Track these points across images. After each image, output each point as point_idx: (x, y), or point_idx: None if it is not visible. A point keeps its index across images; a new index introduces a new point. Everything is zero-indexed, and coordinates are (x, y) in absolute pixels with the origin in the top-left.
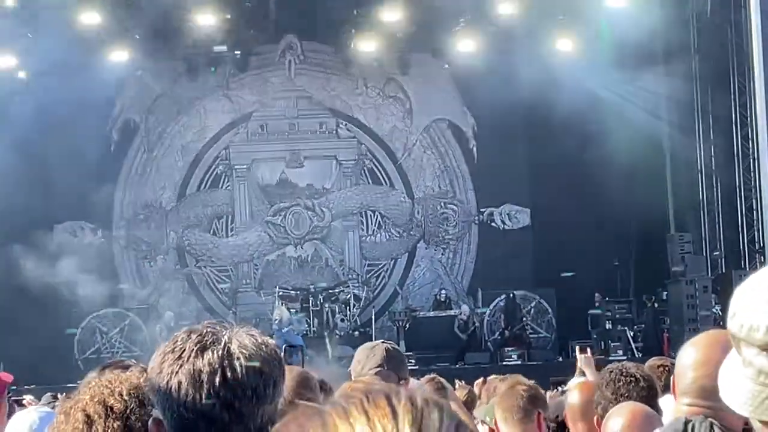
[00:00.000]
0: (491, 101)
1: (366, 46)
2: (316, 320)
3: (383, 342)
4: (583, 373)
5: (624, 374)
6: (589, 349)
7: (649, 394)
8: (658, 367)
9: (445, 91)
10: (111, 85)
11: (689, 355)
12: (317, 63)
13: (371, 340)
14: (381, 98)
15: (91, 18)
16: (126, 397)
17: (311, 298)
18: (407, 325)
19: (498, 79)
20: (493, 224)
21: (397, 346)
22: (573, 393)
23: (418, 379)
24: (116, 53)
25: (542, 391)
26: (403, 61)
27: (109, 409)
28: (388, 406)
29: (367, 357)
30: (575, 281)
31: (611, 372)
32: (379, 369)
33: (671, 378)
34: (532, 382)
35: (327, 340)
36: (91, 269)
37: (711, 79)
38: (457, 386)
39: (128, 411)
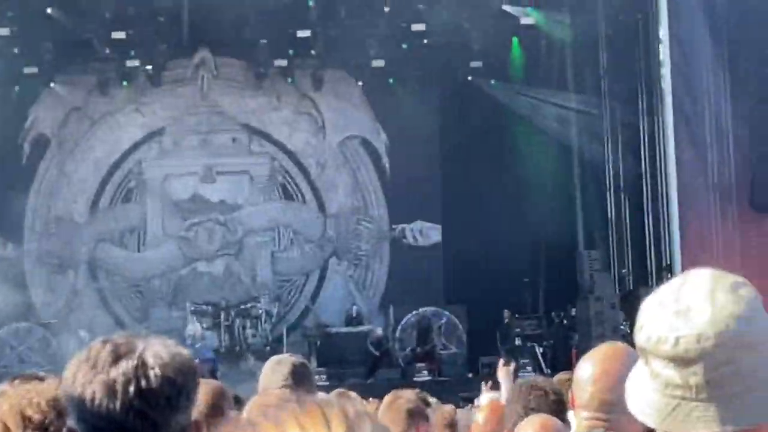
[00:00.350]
0: (404, 118)
1: (280, 62)
2: (227, 336)
3: (290, 356)
4: (493, 389)
5: (534, 388)
6: (512, 364)
7: (558, 407)
8: (567, 381)
9: (358, 107)
10: (23, 97)
11: (587, 369)
12: (231, 78)
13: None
14: (294, 114)
15: (2, 31)
16: (45, 408)
17: (223, 314)
18: (319, 341)
19: (411, 96)
20: (404, 240)
21: (304, 361)
22: (481, 412)
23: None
24: (29, 66)
25: (425, 405)
26: (317, 78)
27: (27, 420)
28: (322, 417)
29: (273, 371)
30: (485, 297)
31: (521, 386)
32: (284, 383)
33: (570, 392)
34: (416, 394)
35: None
36: (1, 282)
37: (620, 97)
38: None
39: (47, 422)
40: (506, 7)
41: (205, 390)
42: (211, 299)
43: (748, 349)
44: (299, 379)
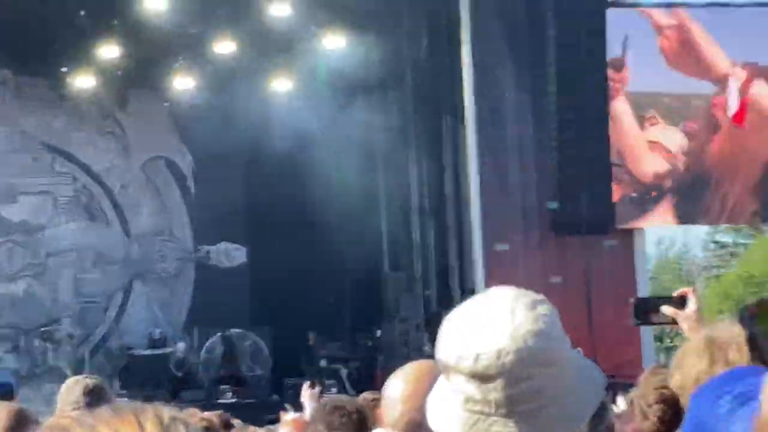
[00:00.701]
0: (209, 140)
1: (83, 81)
2: (28, 358)
3: (86, 377)
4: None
5: (337, 408)
6: (317, 385)
7: (361, 426)
8: (372, 400)
9: (163, 128)
10: None
11: (397, 388)
12: (32, 97)
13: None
14: (98, 134)
15: None
16: None
17: (24, 336)
18: (122, 363)
19: (216, 117)
20: (209, 262)
21: (99, 381)
22: (284, 427)
23: None
24: None
25: (227, 427)
26: (122, 98)
27: None
28: (136, 422)
29: (69, 392)
30: (291, 319)
31: (324, 406)
32: (77, 404)
33: (377, 411)
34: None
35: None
36: None
37: (425, 121)
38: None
39: None
40: (313, 28)
41: (4, 413)
42: (11, 321)
43: (545, 366)
44: (95, 399)
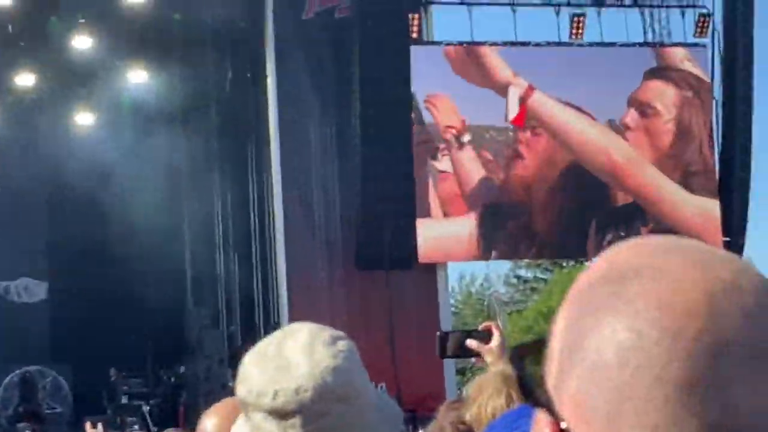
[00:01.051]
0: (10, 173)
1: None
2: None
3: None
4: None
5: None
6: (100, 425)
7: None
8: None
9: None
10: None
11: (208, 424)
12: None
13: None
14: None
15: None
16: None
17: None
18: None
19: (17, 150)
20: (8, 297)
21: None
22: None
23: None
24: None
25: None
26: None
27: None
28: None
29: None
30: (92, 356)
31: None
32: None
33: None
34: None
35: None
36: None
37: (229, 154)
38: None
39: None
40: (116, 60)
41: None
42: None
43: (344, 402)
44: None
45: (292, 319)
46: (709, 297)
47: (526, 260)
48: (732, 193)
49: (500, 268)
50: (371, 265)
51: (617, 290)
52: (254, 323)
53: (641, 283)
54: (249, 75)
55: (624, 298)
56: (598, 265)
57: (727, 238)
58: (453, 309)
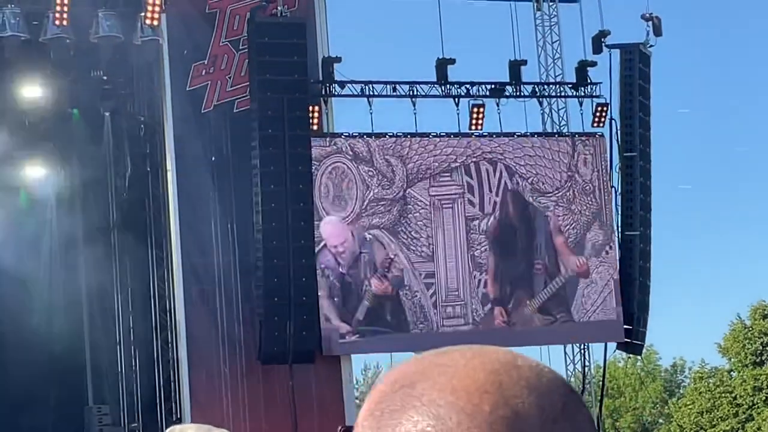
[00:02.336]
0: None
1: None
2: None
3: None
4: None
5: None
6: None
7: None
8: None
9: None
10: None
11: None
12: None
13: None
14: None
15: None
16: None
17: None
18: None
19: None
20: None
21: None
22: None
23: None
24: None
25: None
26: None
27: None
28: None
29: None
30: None
31: None
32: None
33: None
34: None
35: None
36: None
37: (129, 249)
38: None
39: None
40: (17, 157)
41: None
42: None
43: None
44: None
45: (195, 415)
46: (494, 375)
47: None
48: (633, 283)
49: (404, 358)
50: (274, 359)
51: (409, 391)
52: (156, 421)
53: (430, 379)
54: (148, 169)
55: (417, 394)
56: (385, 380)
57: (629, 326)
58: (357, 401)
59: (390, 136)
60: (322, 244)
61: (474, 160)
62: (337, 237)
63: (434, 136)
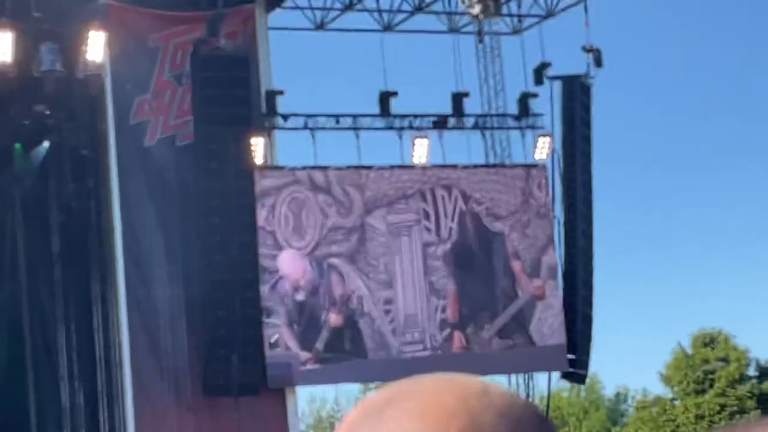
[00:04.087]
0: None
1: None
2: None
3: None
4: None
5: None
6: None
7: None
8: None
9: None
10: None
11: None
12: None
13: None
14: None
15: None
16: None
17: None
18: None
19: None
20: None
21: None
22: None
23: None
24: None
25: None
26: None
27: None
28: None
29: None
30: None
31: None
32: None
33: None
34: None
35: None
36: None
37: (73, 283)
38: None
39: None
40: None
41: None
42: None
43: None
44: None
45: None
46: (464, 401)
47: (377, 382)
48: (576, 312)
49: (350, 390)
50: (219, 391)
51: (377, 417)
52: None
53: (399, 406)
54: (92, 203)
55: (385, 421)
56: (356, 408)
57: (572, 356)
58: None
59: (333, 169)
60: (280, 275)
61: (429, 186)
62: (295, 270)
63: (380, 169)
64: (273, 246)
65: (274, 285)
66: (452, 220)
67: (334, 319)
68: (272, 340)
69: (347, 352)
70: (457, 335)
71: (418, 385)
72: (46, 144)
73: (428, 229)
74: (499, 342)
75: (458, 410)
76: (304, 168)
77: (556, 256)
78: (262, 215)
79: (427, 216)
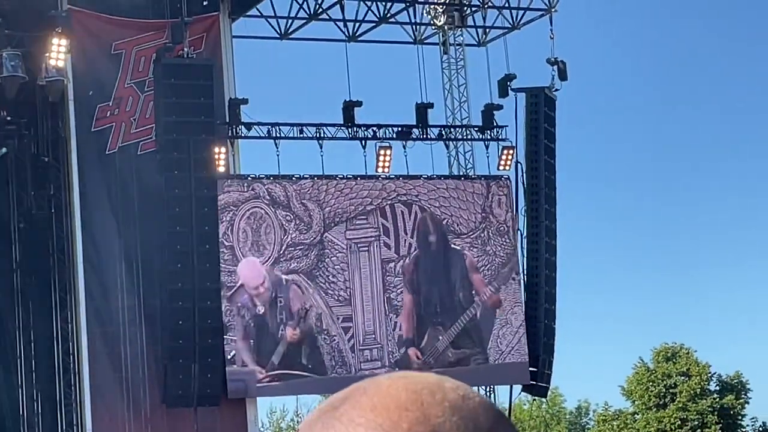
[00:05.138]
0: None
1: None
2: None
3: None
4: None
5: None
6: None
7: None
8: None
9: None
10: None
11: None
12: None
13: None
14: None
15: None
16: None
17: None
18: None
19: None
20: None
21: None
22: None
23: None
24: None
25: None
26: None
27: None
28: None
29: None
30: None
31: None
32: None
33: None
34: None
35: None
36: None
37: (32, 290)
38: None
39: None
40: None
41: None
42: None
43: None
44: None
45: None
46: (417, 395)
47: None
48: (538, 326)
49: (311, 401)
50: (179, 402)
51: (331, 414)
52: None
53: (352, 401)
54: (53, 211)
55: (338, 415)
56: (315, 409)
57: (534, 369)
58: None
59: (306, 178)
60: (239, 284)
61: (389, 202)
62: (254, 278)
63: (343, 178)
64: (231, 261)
65: (233, 295)
66: (412, 236)
67: (291, 333)
68: (229, 356)
69: (304, 367)
70: (413, 351)
71: (373, 383)
72: (5, 150)
73: (387, 246)
74: (453, 352)
75: (410, 404)
76: (268, 176)
77: (519, 270)
78: (221, 230)
79: (386, 232)
